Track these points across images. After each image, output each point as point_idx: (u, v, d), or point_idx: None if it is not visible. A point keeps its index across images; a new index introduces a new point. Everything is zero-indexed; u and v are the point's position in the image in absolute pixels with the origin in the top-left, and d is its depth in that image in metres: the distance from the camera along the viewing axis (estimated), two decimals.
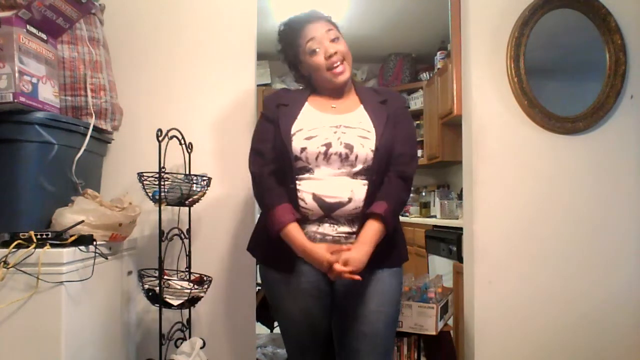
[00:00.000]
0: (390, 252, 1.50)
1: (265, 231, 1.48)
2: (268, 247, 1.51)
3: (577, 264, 2.15)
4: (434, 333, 2.01)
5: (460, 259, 2.59)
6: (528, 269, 2.14)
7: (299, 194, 1.43)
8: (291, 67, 1.63)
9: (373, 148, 1.44)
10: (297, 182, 1.44)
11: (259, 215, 1.62)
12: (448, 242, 2.98)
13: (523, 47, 2.15)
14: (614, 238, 2.18)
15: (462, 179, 2.28)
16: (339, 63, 1.50)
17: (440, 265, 3.07)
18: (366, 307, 1.46)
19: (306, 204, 1.42)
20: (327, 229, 1.43)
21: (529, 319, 2.13)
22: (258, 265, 1.57)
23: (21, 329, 1.24)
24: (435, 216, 3.82)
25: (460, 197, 3.44)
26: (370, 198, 1.44)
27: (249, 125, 2.04)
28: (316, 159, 1.43)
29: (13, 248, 1.24)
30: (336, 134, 1.45)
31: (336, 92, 1.57)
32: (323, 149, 1.43)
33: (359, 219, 1.44)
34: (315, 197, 1.42)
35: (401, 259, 1.56)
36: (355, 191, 1.42)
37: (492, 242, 2.14)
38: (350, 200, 1.42)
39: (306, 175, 1.44)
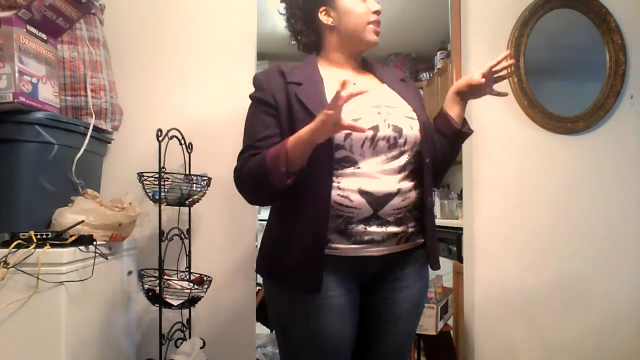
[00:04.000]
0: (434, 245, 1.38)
1: (275, 245, 1.30)
2: (280, 260, 1.28)
3: (577, 264, 2.15)
4: (434, 333, 2.01)
5: (460, 259, 2.59)
6: (528, 269, 2.14)
7: (341, 193, 1.22)
8: (295, 19, 1.39)
9: (419, 128, 1.29)
10: (336, 178, 1.23)
11: (262, 233, 1.38)
12: (448, 242, 2.98)
13: (523, 47, 2.15)
14: (614, 237, 2.18)
15: (462, 179, 2.28)
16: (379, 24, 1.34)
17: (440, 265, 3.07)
18: (395, 325, 1.34)
19: (352, 201, 1.22)
20: (375, 229, 1.24)
21: (529, 319, 2.13)
22: (264, 282, 1.37)
23: (21, 329, 1.24)
24: (435, 216, 3.82)
25: (460, 197, 3.43)
26: (427, 186, 1.30)
27: None
28: (362, 146, 1.23)
29: (13, 248, 1.24)
30: (381, 115, 1.26)
31: (351, 62, 1.39)
32: (370, 133, 1.23)
33: (407, 219, 1.29)
34: (362, 192, 1.22)
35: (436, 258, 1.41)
36: (401, 182, 1.26)
37: (492, 242, 2.14)
38: (398, 191, 1.24)
39: (349, 171, 1.23)
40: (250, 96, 1.35)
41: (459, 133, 1.39)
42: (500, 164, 2.14)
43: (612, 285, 2.17)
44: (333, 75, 1.34)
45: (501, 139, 2.15)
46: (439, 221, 3.38)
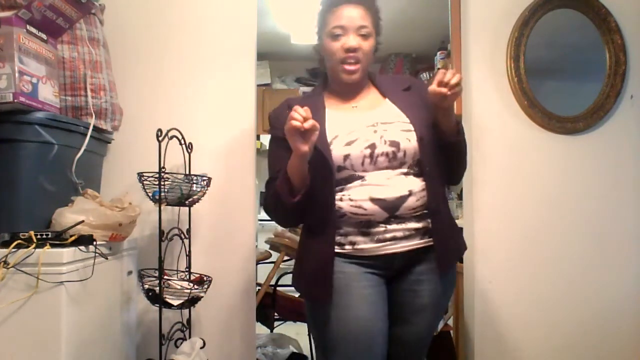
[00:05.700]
0: (458, 241, 1.51)
1: (304, 262, 1.42)
2: (301, 274, 1.43)
3: (576, 263, 2.15)
4: (434, 333, 2.00)
5: (460, 259, 2.58)
6: (528, 269, 2.14)
7: (353, 203, 1.33)
8: (315, 48, 1.53)
9: (417, 139, 1.36)
10: (346, 191, 1.35)
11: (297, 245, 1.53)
12: None
13: (523, 47, 2.14)
14: (613, 237, 2.17)
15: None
16: (353, 61, 1.40)
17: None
18: (417, 316, 1.43)
19: (366, 210, 1.33)
20: (395, 227, 1.34)
21: (529, 319, 2.13)
22: (306, 303, 1.49)
23: (21, 329, 1.24)
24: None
25: (460, 197, 3.43)
26: (430, 192, 1.36)
27: (248, 125, 2.04)
28: (362, 163, 1.34)
29: (13, 248, 1.24)
30: (377, 133, 1.35)
31: (350, 88, 1.47)
32: (368, 151, 1.33)
33: (426, 215, 1.37)
34: (374, 200, 1.32)
35: (461, 251, 1.57)
36: (412, 184, 1.35)
37: (492, 242, 2.14)
38: (410, 192, 1.34)
39: (357, 183, 1.35)
40: (269, 133, 1.50)
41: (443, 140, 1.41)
42: (500, 164, 2.14)
43: (613, 284, 2.16)
44: (332, 103, 1.47)
45: (501, 139, 2.15)
46: None
